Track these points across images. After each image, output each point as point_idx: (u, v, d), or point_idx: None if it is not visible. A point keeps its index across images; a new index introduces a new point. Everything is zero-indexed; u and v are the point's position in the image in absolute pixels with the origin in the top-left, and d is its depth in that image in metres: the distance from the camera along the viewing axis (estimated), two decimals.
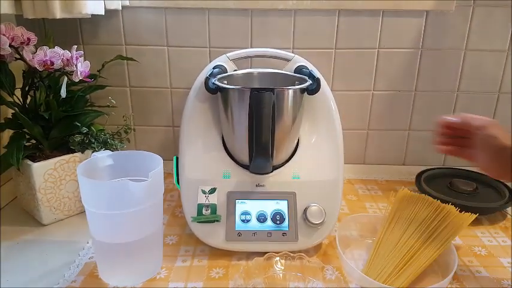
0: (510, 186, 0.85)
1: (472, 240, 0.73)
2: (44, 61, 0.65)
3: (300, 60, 0.77)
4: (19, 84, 0.76)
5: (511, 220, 0.80)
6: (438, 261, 0.63)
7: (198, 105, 0.74)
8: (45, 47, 0.66)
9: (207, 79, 0.69)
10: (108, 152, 0.64)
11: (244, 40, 0.90)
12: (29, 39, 0.66)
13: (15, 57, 0.71)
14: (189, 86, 0.77)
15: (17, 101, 0.75)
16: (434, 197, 0.70)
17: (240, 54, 0.77)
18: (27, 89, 0.75)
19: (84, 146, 0.77)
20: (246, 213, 0.68)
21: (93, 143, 0.77)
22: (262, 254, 0.61)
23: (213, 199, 0.69)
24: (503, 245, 0.72)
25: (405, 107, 0.97)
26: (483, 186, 0.87)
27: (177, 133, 0.98)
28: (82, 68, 0.69)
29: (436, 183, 0.88)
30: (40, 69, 0.66)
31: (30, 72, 0.72)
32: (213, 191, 0.69)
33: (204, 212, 0.68)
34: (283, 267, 0.61)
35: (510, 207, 0.82)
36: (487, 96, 0.95)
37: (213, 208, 0.68)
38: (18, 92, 0.76)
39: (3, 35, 0.63)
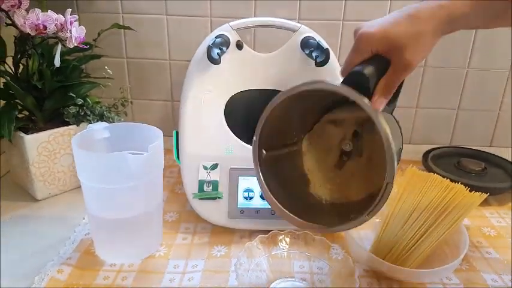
0: None
1: (481, 221, 0.71)
2: (36, 25, 0.61)
3: (307, 31, 0.73)
4: (10, 52, 0.71)
5: None
6: (448, 241, 0.61)
7: (199, 77, 0.70)
8: (37, 10, 0.61)
9: (209, 48, 0.65)
10: (105, 123, 0.61)
11: (248, 9, 0.86)
12: (20, 1, 0.61)
13: (5, 23, 0.66)
14: (189, 58, 0.73)
15: (8, 70, 0.71)
16: (442, 177, 0.68)
17: (244, 24, 0.73)
18: (19, 57, 0.71)
19: (79, 119, 0.74)
20: (249, 190, 0.65)
21: (89, 116, 0.74)
22: (265, 232, 0.58)
23: (214, 175, 0.66)
24: None
25: (413, 83, 0.93)
26: (492, 166, 0.84)
27: (176, 108, 0.95)
28: (77, 33, 0.65)
29: (444, 162, 0.85)
30: (32, 34, 0.62)
31: (22, 39, 0.68)
32: (214, 166, 0.66)
33: (205, 188, 0.66)
34: (287, 246, 0.59)
35: None
36: (498, 73, 0.92)
37: (215, 184, 0.66)
38: (9, 61, 0.72)
39: None
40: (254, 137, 0.50)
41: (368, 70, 0.40)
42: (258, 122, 0.48)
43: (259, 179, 0.51)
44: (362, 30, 0.43)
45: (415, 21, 0.42)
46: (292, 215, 0.50)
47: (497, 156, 0.87)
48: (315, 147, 0.56)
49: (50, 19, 0.61)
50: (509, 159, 0.85)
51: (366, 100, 0.39)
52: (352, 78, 0.40)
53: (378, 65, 0.41)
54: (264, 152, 0.50)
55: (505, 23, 0.44)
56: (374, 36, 0.42)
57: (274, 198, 0.50)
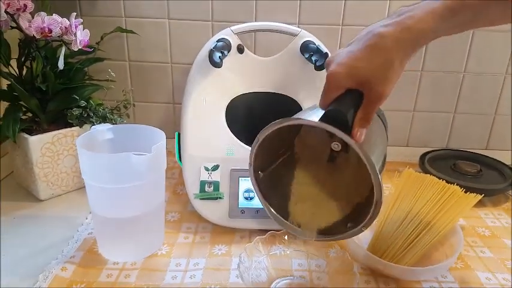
0: None
1: (476, 221, 0.72)
2: (41, 28, 0.62)
3: (307, 35, 0.74)
4: (14, 54, 0.73)
5: None
6: (443, 241, 0.63)
7: (201, 80, 0.72)
8: (43, 13, 0.63)
9: (211, 52, 0.67)
10: (109, 125, 0.62)
11: (249, 14, 0.88)
12: (25, 5, 0.62)
13: (10, 26, 0.68)
14: (190, 61, 0.75)
15: (12, 72, 0.73)
16: (438, 178, 0.69)
17: (245, 28, 0.75)
18: (23, 59, 0.72)
19: (82, 120, 0.75)
20: (249, 190, 0.67)
21: (92, 117, 0.75)
22: (266, 231, 0.60)
23: (216, 176, 0.67)
24: (507, 226, 0.72)
25: (411, 87, 0.95)
26: (487, 168, 0.86)
27: (178, 110, 0.96)
28: (81, 36, 0.66)
29: (440, 164, 0.87)
30: (38, 37, 0.63)
31: (26, 42, 0.70)
32: (216, 168, 0.68)
33: (206, 189, 0.67)
34: (286, 245, 0.60)
35: None
36: (494, 77, 0.94)
37: (216, 185, 0.67)
38: (13, 63, 0.73)
39: None
40: (248, 165, 0.52)
41: (344, 106, 0.41)
42: (250, 151, 0.51)
43: (261, 200, 0.54)
44: (330, 71, 0.42)
45: (380, 52, 0.41)
46: (295, 226, 0.53)
47: (493, 158, 0.89)
48: (304, 151, 0.57)
49: (55, 22, 0.63)
50: (505, 162, 0.87)
51: (348, 138, 0.41)
52: (330, 116, 0.41)
53: (353, 99, 0.42)
54: (260, 173, 0.53)
55: (474, 27, 0.44)
56: (342, 76, 0.42)
57: (277, 214, 0.54)
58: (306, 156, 0.55)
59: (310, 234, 0.52)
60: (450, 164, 0.86)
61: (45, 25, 0.62)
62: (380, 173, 0.44)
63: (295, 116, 0.46)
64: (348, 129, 0.41)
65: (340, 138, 0.42)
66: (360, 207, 0.50)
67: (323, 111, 0.42)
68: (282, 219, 0.54)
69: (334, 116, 0.41)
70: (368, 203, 0.46)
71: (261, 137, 0.48)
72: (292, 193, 0.54)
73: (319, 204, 0.53)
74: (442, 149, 0.94)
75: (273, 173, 0.54)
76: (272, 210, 0.54)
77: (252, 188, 0.54)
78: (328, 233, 0.52)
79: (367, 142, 0.43)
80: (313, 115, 0.44)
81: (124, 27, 0.88)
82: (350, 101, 0.42)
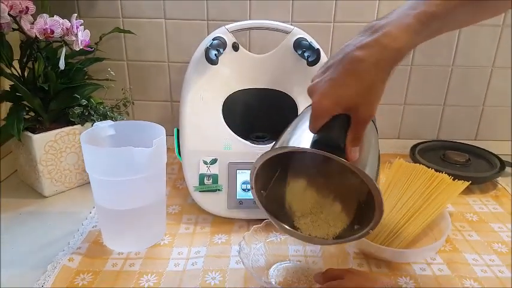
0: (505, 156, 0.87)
1: (464, 208, 0.76)
2: (44, 29, 0.64)
3: (299, 33, 0.77)
4: (15, 56, 0.75)
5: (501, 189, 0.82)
6: (432, 226, 0.66)
7: (198, 77, 0.74)
8: (45, 15, 0.65)
9: (207, 49, 0.69)
10: (110, 121, 0.64)
11: (243, 13, 0.90)
12: (27, 7, 0.65)
13: (12, 28, 0.70)
14: (187, 60, 0.78)
15: (15, 73, 0.75)
16: (428, 167, 0.73)
17: (240, 26, 0.77)
18: (25, 60, 0.74)
19: (83, 119, 0.78)
20: (246, 182, 0.69)
21: (93, 115, 0.78)
22: (262, 220, 0.62)
23: (214, 169, 0.70)
24: (494, 211, 0.75)
25: (401, 81, 0.98)
26: (475, 157, 0.89)
27: (175, 108, 0.99)
28: (83, 36, 0.69)
29: (430, 155, 0.90)
30: (40, 38, 0.66)
31: (28, 43, 0.72)
32: (214, 161, 0.70)
33: (205, 181, 0.70)
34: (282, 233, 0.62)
35: (501, 177, 0.84)
36: (481, 70, 0.97)
37: (215, 178, 0.70)
38: (15, 64, 0.75)
39: (2, 2, 0.62)
40: (250, 187, 0.52)
41: (334, 132, 0.42)
42: (250, 175, 0.50)
43: (271, 219, 0.53)
44: (316, 103, 0.43)
45: (362, 78, 0.41)
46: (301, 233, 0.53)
47: (481, 148, 0.92)
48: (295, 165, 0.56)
49: (57, 23, 0.65)
50: (493, 152, 0.90)
51: (344, 160, 0.42)
52: (323, 142, 0.43)
53: (341, 123, 0.43)
54: (263, 192, 0.53)
55: (444, 32, 0.45)
56: (328, 107, 0.42)
57: (289, 228, 0.53)
58: (297, 169, 0.55)
59: (325, 241, 0.52)
60: (440, 155, 0.89)
61: (47, 26, 0.65)
62: (378, 175, 0.45)
63: (288, 136, 0.47)
64: (341, 151, 0.42)
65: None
66: (362, 208, 0.51)
67: (313, 134, 0.44)
68: (296, 231, 0.53)
69: (327, 142, 0.42)
70: (369, 201, 0.46)
71: (257, 164, 0.48)
72: (293, 212, 0.54)
73: (321, 215, 0.53)
74: (432, 141, 0.97)
75: (272, 191, 0.54)
76: (284, 226, 0.53)
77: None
78: (341, 236, 0.51)
79: (361, 152, 0.44)
80: (304, 137, 0.45)
81: (122, 28, 0.90)
82: (339, 124, 0.43)
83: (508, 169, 0.85)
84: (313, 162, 0.54)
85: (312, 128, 0.43)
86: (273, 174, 0.54)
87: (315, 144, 0.43)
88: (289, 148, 0.45)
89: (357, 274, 0.50)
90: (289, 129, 0.50)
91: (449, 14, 0.42)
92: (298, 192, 0.54)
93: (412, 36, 0.41)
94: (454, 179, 0.69)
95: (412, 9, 0.41)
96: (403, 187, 0.69)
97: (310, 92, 0.44)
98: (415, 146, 0.93)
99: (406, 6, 0.43)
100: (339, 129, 0.43)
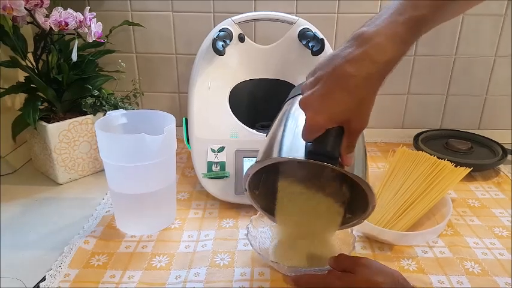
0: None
1: (466, 194, 0.77)
2: (59, 22, 0.67)
3: (304, 23, 0.79)
4: (29, 49, 0.78)
5: (503, 176, 0.84)
6: (434, 211, 0.68)
7: (205, 67, 0.76)
8: (60, 8, 0.68)
9: (214, 40, 0.72)
10: (123, 110, 0.67)
11: (248, 5, 0.92)
12: (42, 1, 0.67)
13: (27, 22, 0.73)
14: (194, 52, 0.80)
15: (29, 65, 0.78)
16: (430, 155, 0.74)
17: (245, 18, 0.79)
18: (39, 52, 0.77)
19: (95, 109, 0.80)
20: None
21: (104, 106, 0.80)
22: None
23: (221, 157, 0.72)
24: (496, 197, 0.76)
25: (404, 71, 0.99)
26: (478, 145, 0.91)
27: (183, 99, 1.01)
28: (95, 28, 0.71)
29: (433, 143, 0.92)
30: (55, 30, 0.68)
31: (42, 36, 0.74)
32: (221, 149, 0.73)
33: (213, 168, 0.72)
34: None
35: (503, 164, 0.86)
36: (484, 60, 0.98)
37: (222, 165, 0.72)
38: (29, 57, 0.78)
39: None
40: (244, 190, 0.54)
41: (329, 144, 0.44)
42: (243, 178, 0.52)
43: (265, 214, 0.58)
44: (310, 119, 0.43)
45: (353, 94, 0.41)
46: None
47: (484, 136, 0.93)
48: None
49: (71, 16, 0.68)
50: (495, 140, 0.92)
51: (339, 168, 0.44)
52: (319, 153, 0.44)
53: (335, 134, 0.44)
54: (255, 192, 0.55)
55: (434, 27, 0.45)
56: (322, 123, 0.43)
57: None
58: (287, 170, 0.57)
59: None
60: (443, 143, 0.91)
61: (62, 19, 0.67)
62: (367, 170, 0.49)
63: (280, 140, 0.49)
64: (336, 159, 0.44)
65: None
66: (351, 198, 0.54)
67: (306, 143, 0.45)
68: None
69: (323, 153, 0.44)
70: (358, 190, 0.49)
71: (251, 171, 0.50)
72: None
73: (310, 218, 0.55)
74: (435, 129, 0.98)
75: (264, 187, 0.56)
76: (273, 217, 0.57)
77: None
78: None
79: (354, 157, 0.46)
80: (299, 145, 0.46)
81: (131, 21, 0.93)
82: (333, 137, 0.44)
83: (510, 157, 0.86)
84: (303, 165, 0.56)
85: (306, 138, 0.45)
86: (263, 174, 0.55)
87: (310, 154, 0.45)
88: (285, 158, 0.47)
89: (368, 267, 0.49)
90: (280, 130, 0.50)
91: (438, 13, 0.42)
92: (289, 191, 0.56)
93: (401, 47, 0.41)
94: (456, 166, 0.71)
95: (399, 14, 0.41)
96: (406, 173, 0.71)
97: (303, 106, 0.44)
98: (418, 134, 0.95)
99: (391, 9, 0.42)
100: (333, 136, 0.44)
